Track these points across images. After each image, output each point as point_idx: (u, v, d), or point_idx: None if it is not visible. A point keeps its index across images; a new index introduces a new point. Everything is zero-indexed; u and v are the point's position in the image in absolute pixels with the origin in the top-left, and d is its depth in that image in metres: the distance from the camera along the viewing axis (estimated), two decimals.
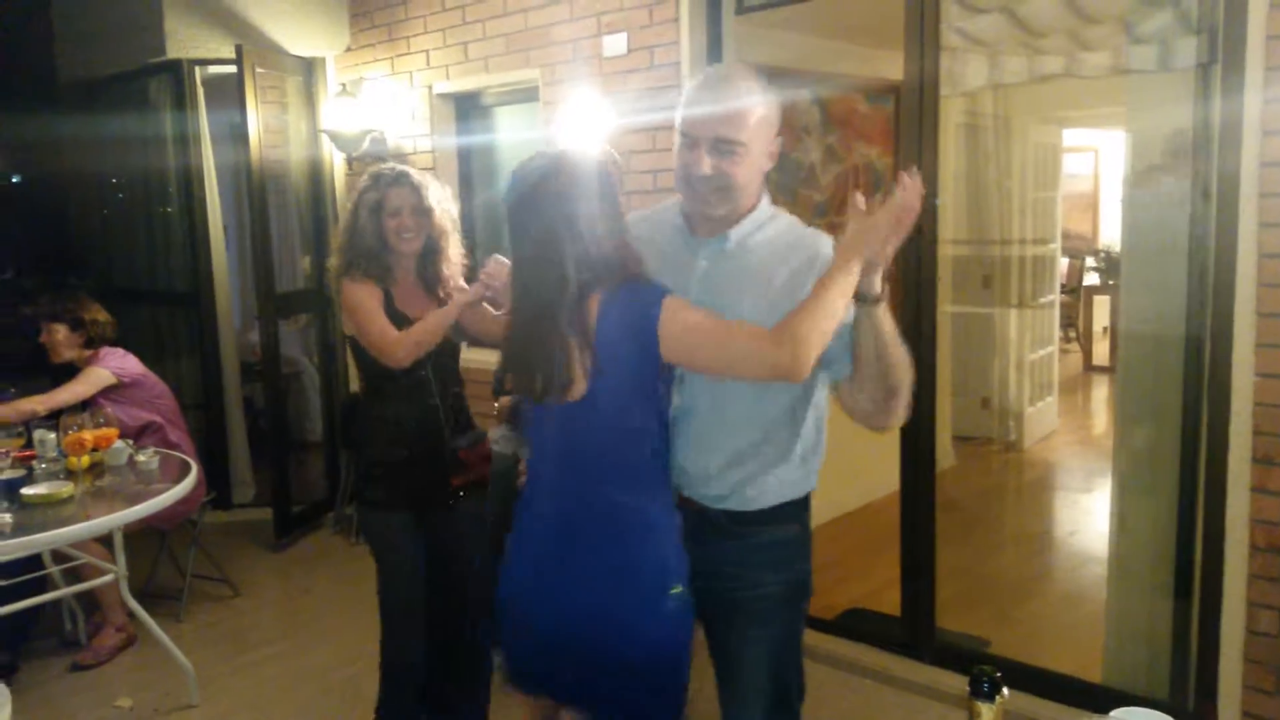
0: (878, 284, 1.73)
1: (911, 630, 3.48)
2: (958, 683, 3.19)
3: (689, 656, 1.92)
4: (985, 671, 1.42)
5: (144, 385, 4.14)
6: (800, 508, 2.02)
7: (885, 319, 1.76)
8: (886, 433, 1.98)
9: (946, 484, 5.25)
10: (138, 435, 4.01)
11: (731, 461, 1.93)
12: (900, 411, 1.84)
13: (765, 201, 1.97)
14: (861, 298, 1.73)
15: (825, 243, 1.89)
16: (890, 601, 3.61)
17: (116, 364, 4.06)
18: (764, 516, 1.96)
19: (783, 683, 2.02)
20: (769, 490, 1.95)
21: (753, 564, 1.97)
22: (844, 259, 1.70)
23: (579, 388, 1.81)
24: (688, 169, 1.85)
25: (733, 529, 1.96)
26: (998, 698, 1.42)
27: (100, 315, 4.10)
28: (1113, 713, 1.56)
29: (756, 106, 1.84)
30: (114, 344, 4.15)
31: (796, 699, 2.07)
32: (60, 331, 3.99)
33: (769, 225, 1.95)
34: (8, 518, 3.01)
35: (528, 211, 1.84)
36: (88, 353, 4.05)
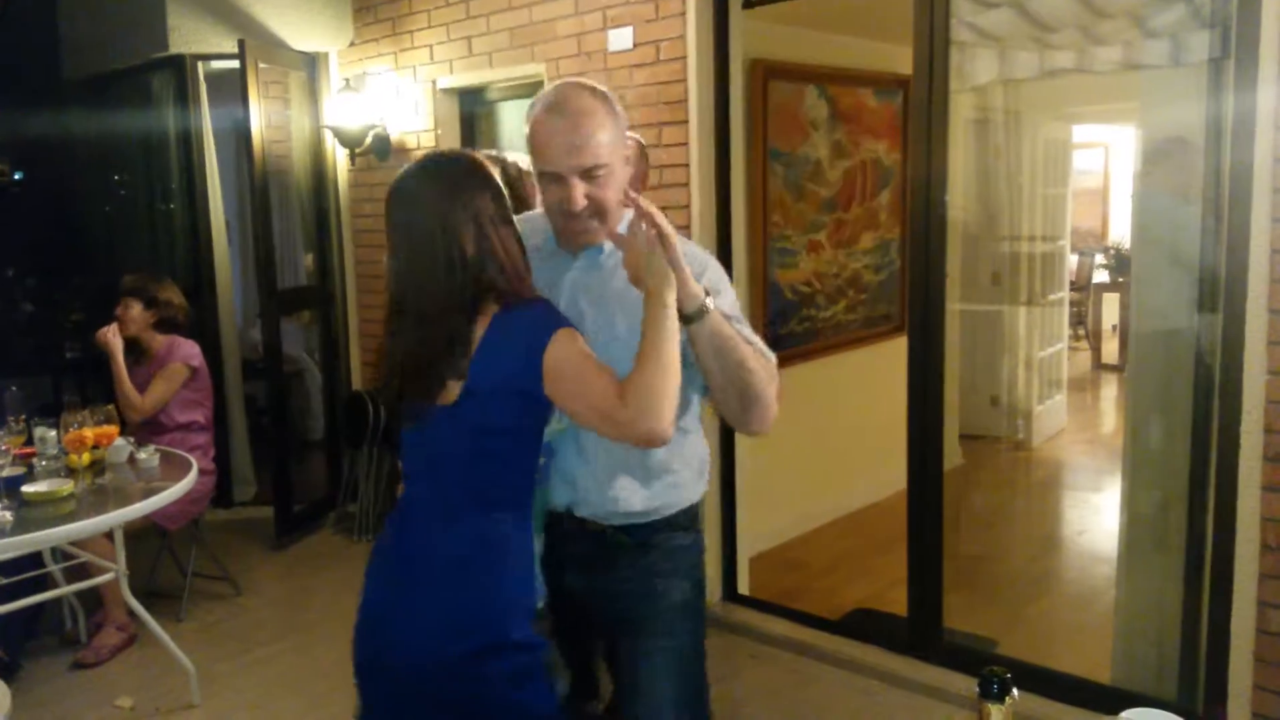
0: (692, 300, 1.66)
1: (919, 631, 3.45)
2: (965, 684, 3.17)
3: (547, 707, 1.81)
4: (995, 672, 1.40)
5: (201, 377, 4.25)
6: (696, 514, 2.00)
7: (717, 330, 1.69)
8: (759, 436, 1.94)
9: (954, 483, 5.22)
10: (177, 432, 4.10)
11: (626, 470, 1.88)
12: (761, 416, 1.80)
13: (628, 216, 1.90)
14: (685, 319, 1.67)
15: (691, 243, 1.87)
16: (897, 601, 3.58)
17: (187, 352, 4.20)
18: (663, 525, 1.93)
19: (691, 692, 1.98)
20: (668, 498, 1.92)
21: (654, 574, 1.93)
22: (648, 302, 1.64)
23: (449, 396, 1.72)
24: (561, 204, 1.79)
25: (631, 544, 1.92)
26: (1008, 699, 1.40)
27: (176, 298, 4.25)
28: (1122, 714, 1.53)
29: (606, 121, 1.78)
30: (183, 330, 4.27)
31: (704, 711, 2.02)
32: (135, 307, 4.14)
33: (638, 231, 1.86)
34: (8, 515, 2.98)
35: (414, 209, 1.77)
36: (158, 335, 4.18)
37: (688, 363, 1.72)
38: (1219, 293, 2.74)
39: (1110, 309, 9.06)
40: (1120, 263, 9.00)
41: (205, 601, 4.30)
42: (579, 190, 1.77)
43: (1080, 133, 7.71)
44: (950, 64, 3.21)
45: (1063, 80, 3.41)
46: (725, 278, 1.88)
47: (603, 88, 1.86)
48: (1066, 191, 6.64)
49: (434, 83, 4.83)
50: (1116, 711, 1.57)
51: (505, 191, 1.83)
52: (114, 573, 3.46)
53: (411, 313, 1.76)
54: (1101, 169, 9.97)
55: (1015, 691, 1.40)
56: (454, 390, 1.72)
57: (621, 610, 1.94)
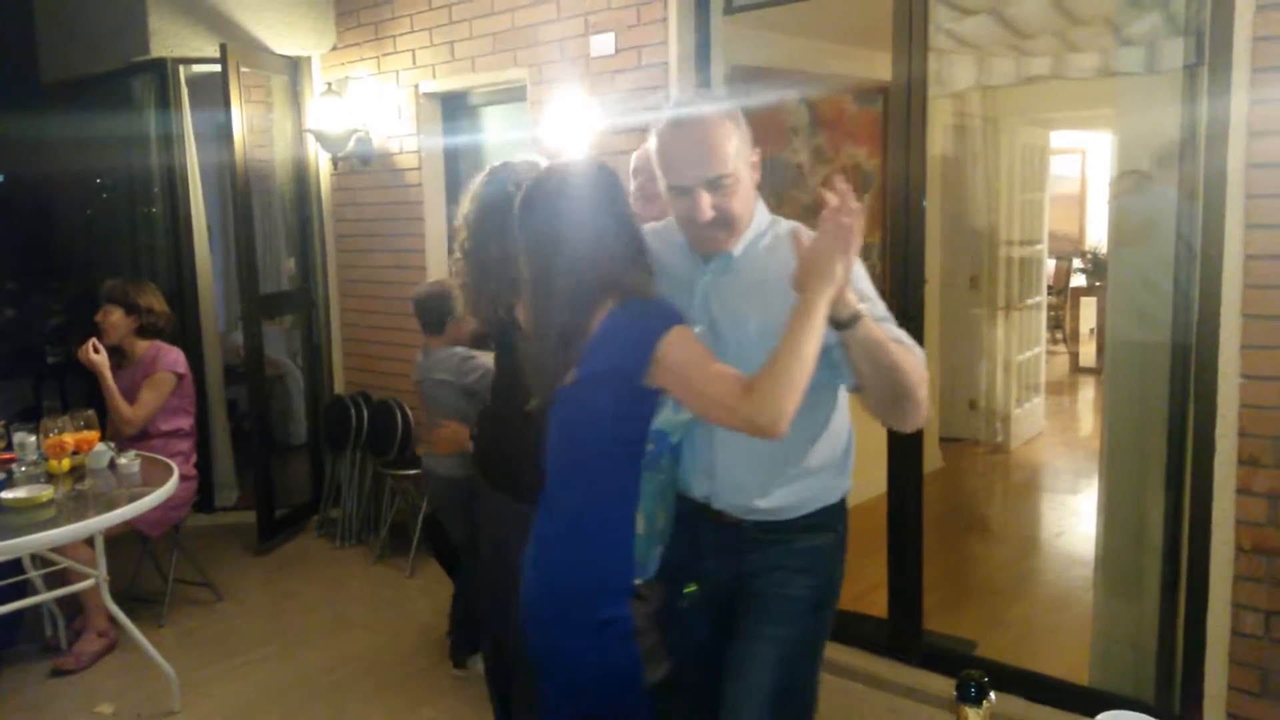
0: (846, 308, 1.68)
1: (899, 633, 3.47)
2: (945, 685, 3.19)
3: (631, 676, 1.88)
4: (972, 676, 1.41)
5: (185, 384, 4.24)
6: (836, 513, 2.00)
7: (870, 336, 1.71)
8: (909, 431, 1.91)
9: (934, 486, 5.25)
10: (160, 439, 4.08)
11: (765, 466, 1.90)
12: (913, 413, 1.80)
13: (761, 209, 1.95)
14: (837, 325, 1.70)
15: None
16: (877, 604, 3.60)
17: (173, 359, 4.19)
18: (799, 525, 1.94)
19: (789, 692, 1.96)
20: (805, 496, 1.94)
21: (784, 568, 1.95)
22: (804, 303, 1.66)
23: (567, 379, 1.84)
24: (689, 214, 1.84)
25: (765, 539, 1.95)
26: (985, 702, 1.41)
27: (157, 305, 4.22)
28: (1099, 716, 1.55)
29: (732, 132, 1.82)
30: (165, 337, 4.25)
31: (804, 714, 2.01)
32: (116, 314, 4.12)
33: (769, 233, 1.94)
34: None
35: (543, 215, 1.88)
36: (139, 341, 4.16)
37: (832, 361, 1.76)
38: (1194, 297, 2.77)
39: (1088, 313, 9.13)
40: (1097, 267, 9.07)
41: (186, 607, 4.28)
42: (705, 201, 1.82)
43: (1058, 138, 7.76)
44: (929, 70, 3.24)
45: (1040, 86, 3.45)
46: (866, 277, 1.85)
47: (722, 95, 1.89)
48: (1044, 196, 6.69)
49: (416, 87, 4.83)
50: (1094, 713, 1.59)
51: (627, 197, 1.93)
52: (94, 579, 3.45)
53: (538, 308, 1.88)
54: (1079, 174, 10.05)
55: (993, 695, 1.41)
56: (571, 375, 1.83)
57: (745, 593, 1.96)
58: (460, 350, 3.48)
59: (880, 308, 1.84)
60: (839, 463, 1.99)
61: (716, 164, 1.80)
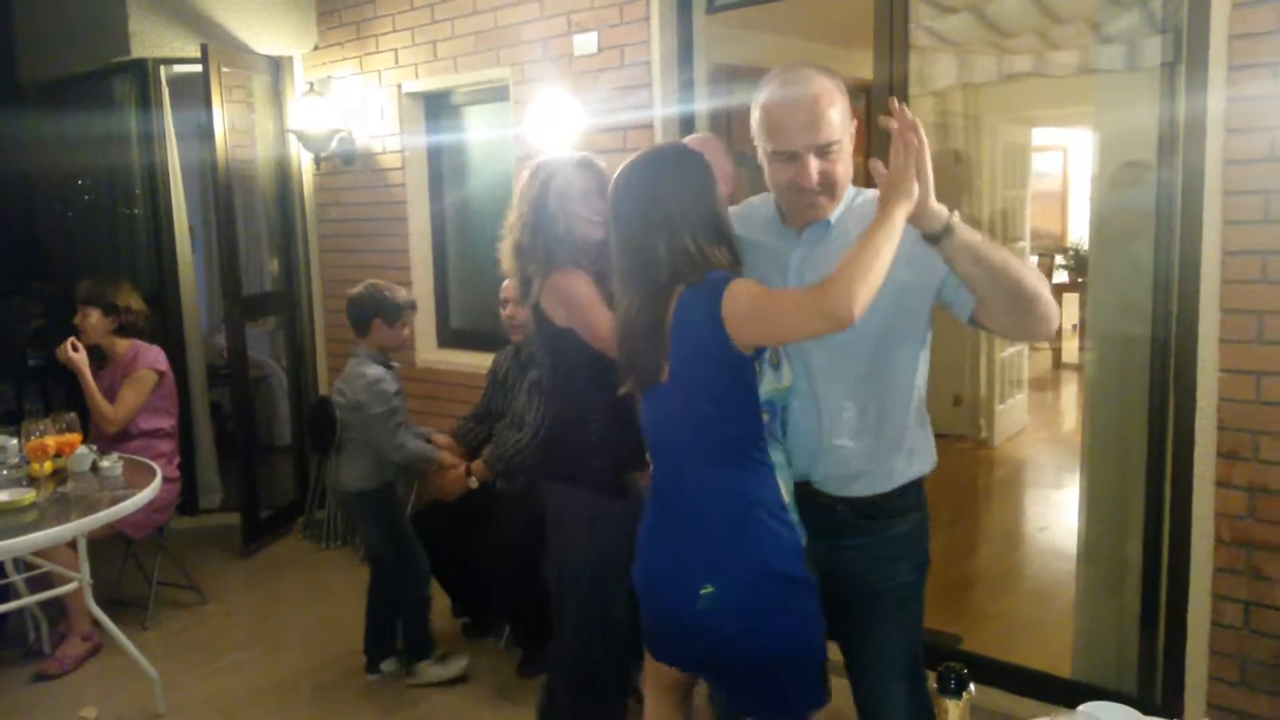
0: (936, 220, 1.71)
1: None
2: (930, 679, 3.20)
3: (816, 640, 1.95)
4: (952, 668, 1.42)
5: (166, 384, 4.22)
6: (920, 489, 2.05)
7: (969, 240, 1.72)
8: (1049, 338, 1.96)
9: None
10: (142, 439, 4.06)
11: (856, 431, 1.94)
12: (1045, 314, 1.79)
13: (852, 187, 2.00)
14: (933, 239, 1.72)
15: None
16: None
17: (153, 358, 4.17)
18: (889, 508, 1.99)
19: (915, 657, 2.06)
20: (896, 466, 1.98)
21: (883, 558, 2.00)
22: (883, 213, 1.69)
23: (662, 374, 1.89)
24: (795, 181, 1.88)
25: (860, 524, 1.99)
26: (965, 694, 1.42)
27: (134, 304, 4.20)
28: (1081, 707, 1.56)
29: (837, 99, 1.86)
30: (144, 335, 4.24)
31: (923, 668, 2.08)
32: (93, 315, 4.09)
33: (857, 200, 1.97)
34: None
35: (627, 201, 1.94)
36: (119, 341, 4.14)
37: (946, 293, 1.84)
38: (1173, 293, 2.80)
39: (1070, 309, 9.16)
40: (1079, 263, 9.12)
41: (171, 610, 4.26)
42: (813, 166, 1.85)
43: (1039, 136, 7.80)
44: (910, 68, 3.26)
45: (1021, 84, 3.46)
46: None
47: (828, 68, 1.90)
48: (1026, 194, 6.72)
49: (399, 87, 4.82)
50: (1076, 705, 1.61)
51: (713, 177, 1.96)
52: (77, 582, 3.42)
53: (627, 302, 1.94)
54: (1060, 172, 10.10)
55: (972, 687, 1.43)
56: (665, 369, 1.89)
57: (852, 584, 2.00)
58: (371, 373, 3.39)
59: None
60: (924, 426, 2.03)
61: (827, 130, 1.83)
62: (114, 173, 5.54)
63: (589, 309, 2.43)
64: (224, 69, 4.83)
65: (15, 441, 3.48)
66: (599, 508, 2.54)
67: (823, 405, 1.94)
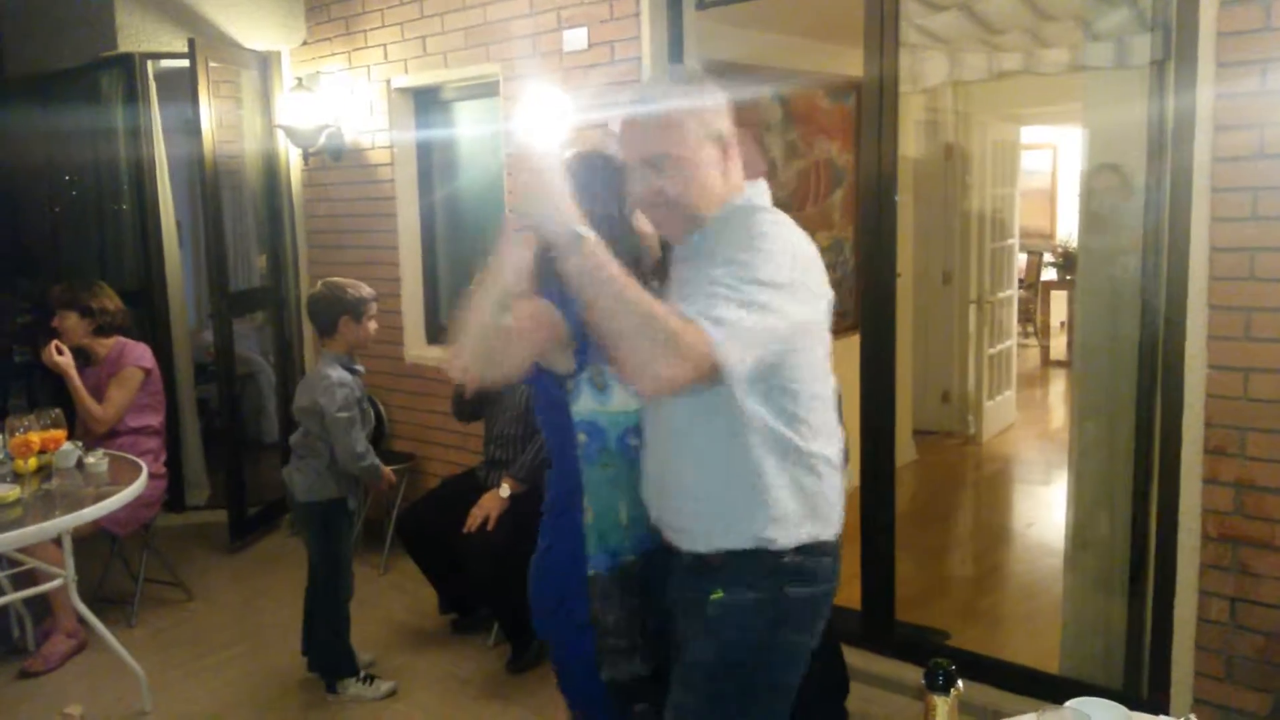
0: (561, 230, 1.50)
1: (872, 623, 3.49)
2: (918, 675, 3.20)
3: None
4: (940, 664, 1.42)
5: (153, 380, 4.19)
6: (755, 567, 1.72)
7: (588, 268, 1.49)
8: (649, 391, 1.57)
9: (906, 478, 5.29)
10: (129, 436, 4.04)
11: (673, 488, 1.80)
12: (632, 363, 1.49)
13: (739, 199, 1.78)
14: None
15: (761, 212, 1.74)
16: (850, 595, 3.61)
17: (138, 355, 4.16)
18: (717, 568, 1.74)
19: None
20: (715, 528, 1.74)
21: (694, 618, 1.78)
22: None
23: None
24: (637, 196, 1.77)
25: (686, 577, 1.80)
26: (952, 690, 1.42)
27: (110, 304, 4.17)
28: (1068, 703, 1.56)
29: (683, 113, 1.69)
30: (125, 332, 4.21)
31: None
32: (70, 318, 4.08)
33: (730, 221, 1.71)
34: None
35: None
36: (101, 340, 4.12)
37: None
38: (1162, 290, 2.80)
39: (1058, 306, 9.22)
40: (1068, 261, 9.16)
41: (157, 607, 4.24)
42: (639, 178, 1.73)
43: (1029, 134, 7.83)
44: (901, 66, 3.26)
45: (1011, 82, 3.47)
46: (761, 243, 1.63)
47: (689, 76, 1.82)
48: (1015, 191, 6.75)
49: (388, 82, 4.80)
50: (1063, 700, 1.61)
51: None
52: (62, 579, 3.40)
53: None
54: (1050, 169, 10.14)
55: (960, 683, 1.43)
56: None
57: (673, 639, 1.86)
58: (335, 376, 3.28)
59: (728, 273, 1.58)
60: (747, 501, 1.71)
61: (657, 141, 1.69)
62: (100, 168, 5.51)
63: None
64: (212, 64, 4.81)
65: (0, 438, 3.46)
66: None
67: (651, 436, 1.84)
